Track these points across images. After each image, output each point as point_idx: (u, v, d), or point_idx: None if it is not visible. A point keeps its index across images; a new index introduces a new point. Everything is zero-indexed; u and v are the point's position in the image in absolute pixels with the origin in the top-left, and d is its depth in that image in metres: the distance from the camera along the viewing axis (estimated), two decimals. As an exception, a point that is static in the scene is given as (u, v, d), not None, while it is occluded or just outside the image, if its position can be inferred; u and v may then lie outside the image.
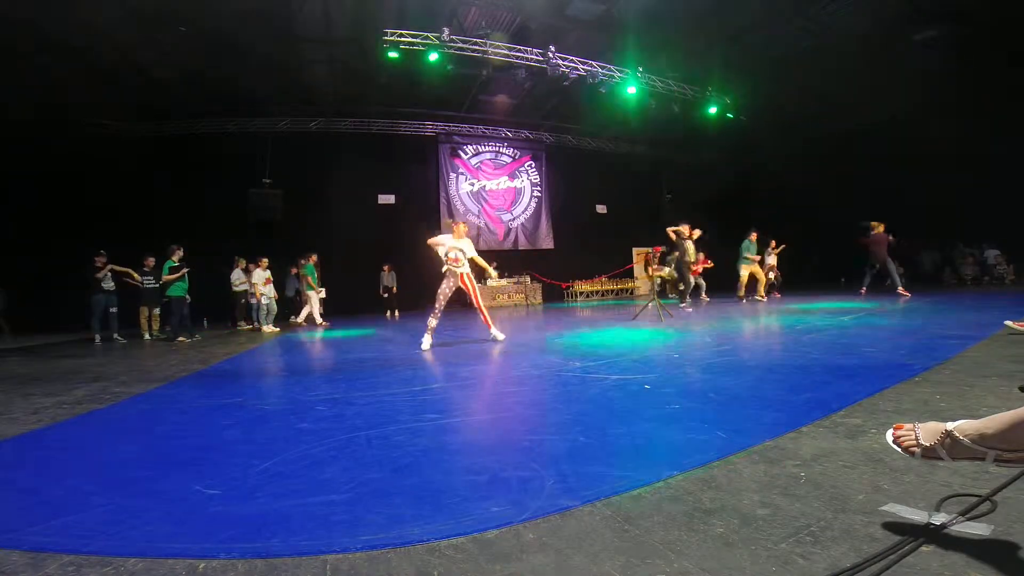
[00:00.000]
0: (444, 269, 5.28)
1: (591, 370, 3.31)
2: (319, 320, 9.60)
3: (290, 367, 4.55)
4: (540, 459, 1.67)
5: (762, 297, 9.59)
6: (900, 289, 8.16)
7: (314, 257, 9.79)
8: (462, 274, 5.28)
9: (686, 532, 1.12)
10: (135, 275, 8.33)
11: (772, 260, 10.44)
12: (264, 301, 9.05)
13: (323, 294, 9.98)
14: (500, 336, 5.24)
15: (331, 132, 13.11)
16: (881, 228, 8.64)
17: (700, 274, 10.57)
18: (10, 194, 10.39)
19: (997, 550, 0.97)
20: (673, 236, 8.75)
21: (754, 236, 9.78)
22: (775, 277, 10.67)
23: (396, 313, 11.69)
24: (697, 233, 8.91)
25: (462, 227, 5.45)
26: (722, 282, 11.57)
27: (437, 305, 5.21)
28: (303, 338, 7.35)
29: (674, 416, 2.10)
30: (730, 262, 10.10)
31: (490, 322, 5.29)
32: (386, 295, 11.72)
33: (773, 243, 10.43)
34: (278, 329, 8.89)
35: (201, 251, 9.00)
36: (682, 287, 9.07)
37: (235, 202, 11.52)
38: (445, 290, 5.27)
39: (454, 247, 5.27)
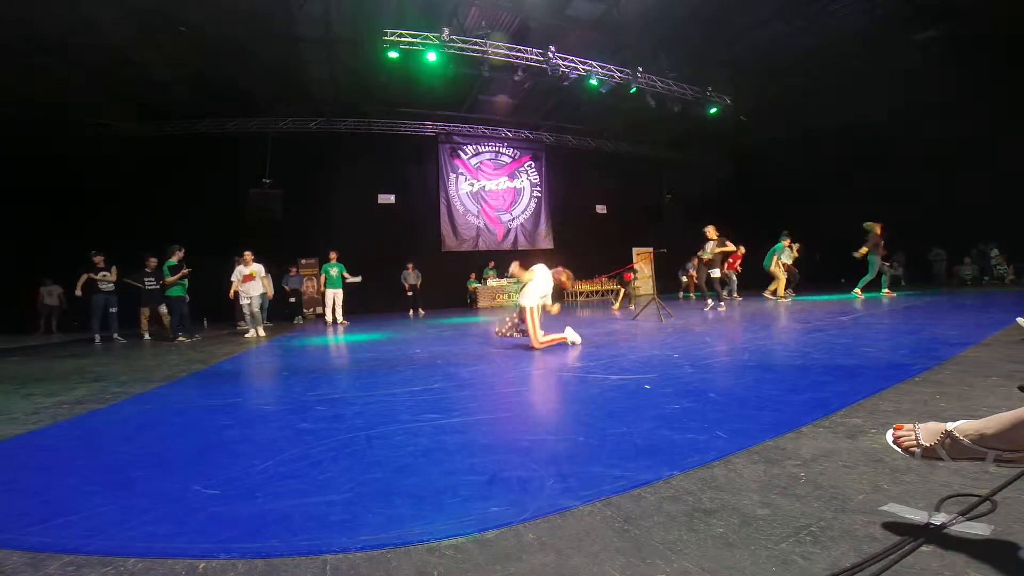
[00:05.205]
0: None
1: (591, 370, 3.31)
2: (329, 318, 9.52)
3: (290, 367, 4.55)
4: (540, 459, 1.66)
5: (771, 296, 9.70)
6: (858, 291, 8.84)
7: (333, 255, 9.73)
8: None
9: (686, 532, 1.12)
10: (135, 283, 8.32)
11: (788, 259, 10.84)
12: (244, 301, 7.97)
13: (331, 293, 9.66)
14: (577, 339, 4.65)
15: (331, 132, 13.10)
16: (878, 228, 8.97)
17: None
18: (10, 194, 10.38)
19: (997, 550, 0.97)
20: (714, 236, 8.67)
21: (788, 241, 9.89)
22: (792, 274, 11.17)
23: (420, 311, 11.75)
24: (710, 232, 8.77)
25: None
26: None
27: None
28: (303, 338, 7.34)
29: (674, 416, 2.09)
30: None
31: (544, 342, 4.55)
32: (410, 293, 11.78)
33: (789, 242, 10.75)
34: (270, 325, 8.78)
35: (201, 251, 8.98)
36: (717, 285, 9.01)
37: (235, 202, 11.52)
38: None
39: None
